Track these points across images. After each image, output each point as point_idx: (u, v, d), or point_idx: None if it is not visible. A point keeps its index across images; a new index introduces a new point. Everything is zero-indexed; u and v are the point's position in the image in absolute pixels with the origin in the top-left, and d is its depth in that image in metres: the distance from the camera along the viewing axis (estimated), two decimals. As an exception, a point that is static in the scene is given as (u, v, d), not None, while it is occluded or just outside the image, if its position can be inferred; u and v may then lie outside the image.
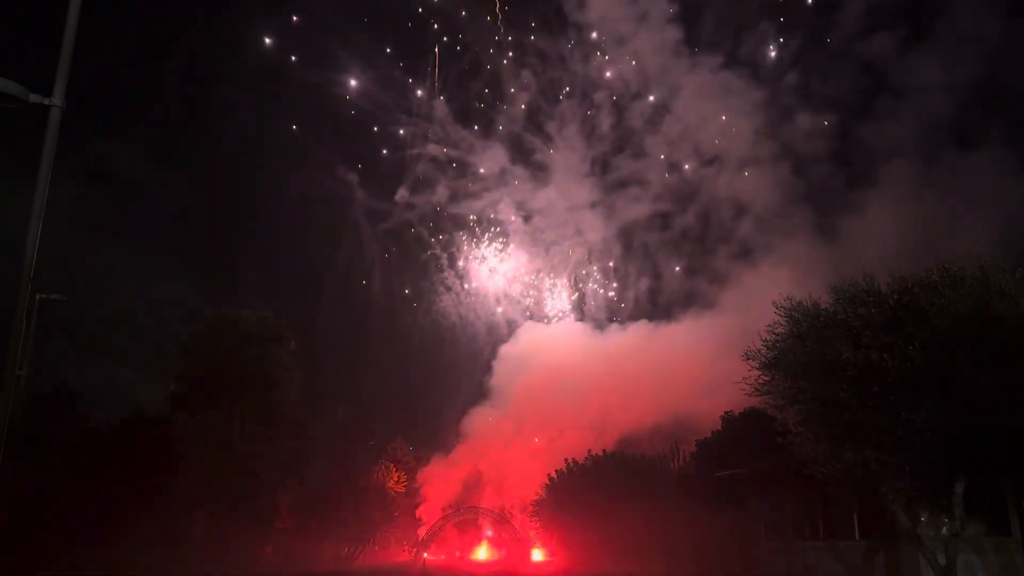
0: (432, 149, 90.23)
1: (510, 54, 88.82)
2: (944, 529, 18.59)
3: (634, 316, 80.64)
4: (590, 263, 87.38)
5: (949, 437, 16.31)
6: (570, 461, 50.16)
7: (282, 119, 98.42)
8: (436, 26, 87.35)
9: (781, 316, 18.77)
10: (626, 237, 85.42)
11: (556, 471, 51.43)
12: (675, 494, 36.36)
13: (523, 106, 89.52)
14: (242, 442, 41.53)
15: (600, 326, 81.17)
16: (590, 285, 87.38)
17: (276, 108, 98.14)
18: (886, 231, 54.45)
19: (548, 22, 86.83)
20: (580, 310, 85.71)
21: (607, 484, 43.23)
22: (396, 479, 69.73)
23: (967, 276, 16.84)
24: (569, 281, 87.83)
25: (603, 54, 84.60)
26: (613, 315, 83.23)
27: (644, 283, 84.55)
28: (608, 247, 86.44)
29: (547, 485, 52.38)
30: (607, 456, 47.96)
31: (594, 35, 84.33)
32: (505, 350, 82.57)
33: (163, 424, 38.07)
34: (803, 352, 18.05)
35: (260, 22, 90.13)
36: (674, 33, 78.10)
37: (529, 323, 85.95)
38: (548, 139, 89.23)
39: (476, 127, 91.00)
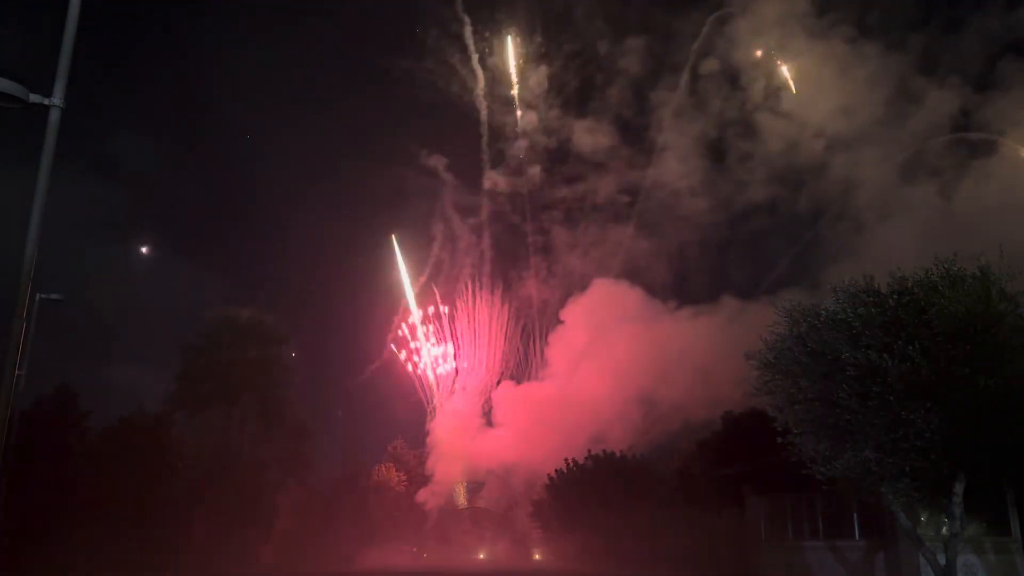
0: (529, 128, 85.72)
1: (615, 27, 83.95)
2: (944, 529, 18.59)
3: (734, 295, 74.91)
4: (692, 246, 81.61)
5: (949, 437, 16.30)
6: (570, 461, 50.06)
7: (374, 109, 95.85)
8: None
9: (781, 316, 18.76)
10: (735, 220, 79.93)
11: (556, 471, 51.33)
12: (675, 494, 36.35)
13: (629, 83, 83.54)
14: (242, 442, 41.55)
15: (695, 304, 76.39)
16: (689, 266, 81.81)
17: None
18: (1009, 203, 52.93)
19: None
20: (678, 293, 79.71)
21: (606, 485, 43.21)
22: (397, 479, 69.72)
23: (967, 276, 16.83)
24: (668, 263, 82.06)
25: (721, 26, 78.01)
26: (711, 296, 76.59)
27: (748, 265, 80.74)
28: (715, 229, 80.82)
29: (547, 485, 52.29)
30: (607, 456, 47.90)
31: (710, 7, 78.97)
32: (571, 313, 78.14)
33: (163, 424, 38.07)
34: (803, 352, 18.04)
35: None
36: (802, 5, 73.15)
37: (600, 280, 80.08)
38: (655, 118, 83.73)
39: (579, 106, 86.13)
